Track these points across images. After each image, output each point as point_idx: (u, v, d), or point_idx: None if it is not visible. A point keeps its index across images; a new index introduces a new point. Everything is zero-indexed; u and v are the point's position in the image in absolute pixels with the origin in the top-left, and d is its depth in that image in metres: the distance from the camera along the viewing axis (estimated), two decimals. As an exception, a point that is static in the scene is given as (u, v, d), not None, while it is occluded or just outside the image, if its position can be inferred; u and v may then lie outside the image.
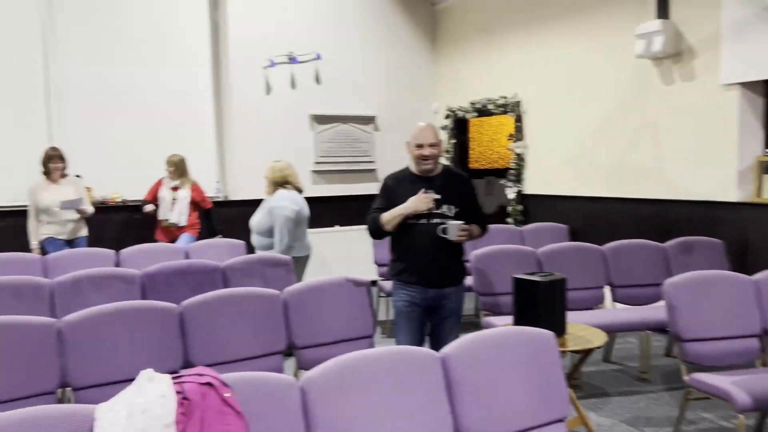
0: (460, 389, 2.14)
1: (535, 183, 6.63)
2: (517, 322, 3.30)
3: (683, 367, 3.24)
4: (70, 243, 5.35)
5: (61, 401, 2.82)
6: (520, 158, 6.66)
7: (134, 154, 6.50)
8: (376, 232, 3.24)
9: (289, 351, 3.30)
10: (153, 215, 5.89)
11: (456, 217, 3.13)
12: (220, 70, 7.00)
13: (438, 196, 3.14)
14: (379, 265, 5.83)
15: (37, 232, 5.31)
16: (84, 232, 5.50)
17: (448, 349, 2.21)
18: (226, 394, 1.82)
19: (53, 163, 5.31)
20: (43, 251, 5.16)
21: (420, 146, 3.17)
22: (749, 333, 3.31)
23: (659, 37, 5.07)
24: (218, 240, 5.48)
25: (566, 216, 6.20)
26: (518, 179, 6.69)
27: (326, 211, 6.87)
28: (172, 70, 6.77)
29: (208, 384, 1.82)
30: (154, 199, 5.91)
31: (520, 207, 6.69)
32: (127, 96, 6.55)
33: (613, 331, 4.19)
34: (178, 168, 5.84)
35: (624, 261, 4.66)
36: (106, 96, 6.45)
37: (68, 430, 1.65)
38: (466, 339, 2.28)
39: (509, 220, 6.71)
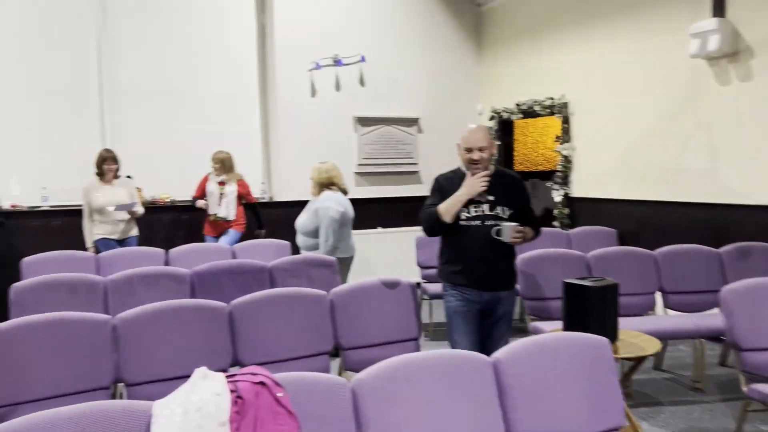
0: (512, 395, 2.10)
1: (582, 186, 6.50)
2: (568, 327, 3.24)
3: (742, 378, 3.12)
4: (122, 242, 5.47)
5: (113, 396, 2.89)
6: (567, 160, 6.54)
7: (183, 156, 6.64)
8: (434, 226, 3.11)
9: (334, 352, 3.31)
10: (204, 210, 5.99)
11: (510, 219, 3.07)
12: (267, 73, 7.08)
13: (491, 197, 3.08)
14: (423, 267, 5.81)
15: (91, 231, 5.45)
16: (135, 231, 5.63)
17: (500, 353, 2.18)
18: (279, 394, 1.83)
19: (107, 164, 5.45)
20: (97, 250, 5.30)
21: (469, 150, 3.10)
22: (813, 343, 3.16)
23: (715, 36, 4.91)
24: (264, 240, 5.54)
25: (615, 220, 6.06)
26: (565, 182, 6.57)
27: (369, 213, 6.88)
28: (221, 73, 6.90)
29: (262, 383, 1.83)
30: (202, 194, 6.01)
31: (566, 210, 6.57)
32: (176, 99, 6.70)
33: (665, 338, 4.07)
34: (224, 164, 5.92)
35: (676, 266, 4.52)
36: (157, 99, 6.61)
37: (126, 426, 1.68)
38: (518, 344, 2.24)
39: (555, 223, 6.60)
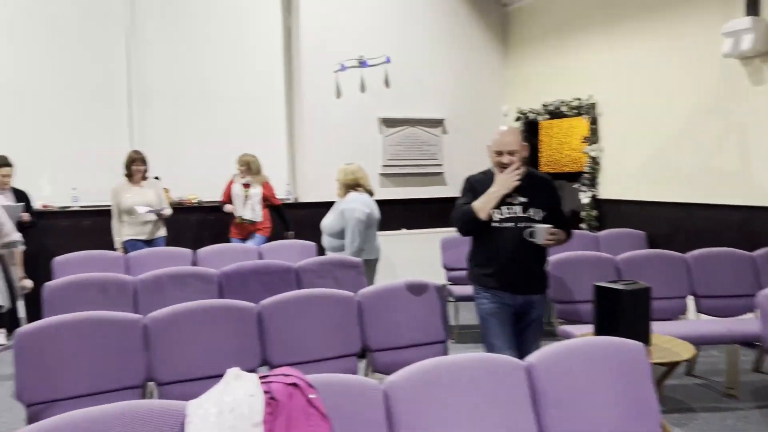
0: (545, 400, 2.07)
1: (610, 187, 6.41)
2: (598, 331, 3.19)
3: (779, 385, 3.05)
4: (149, 243, 5.53)
5: (143, 396, 2.91)
6: (594, 162, 6.46)
7: (209, 157, 6.69)
8: (469, 224, 3.03)
9: (360, 353, 3.29)
10: (230, 213, 6.02)
11: (542, 222, 3.03)
12: (292, 75, 7.11)
13: (524, 199, 3.04)
14: (449, 269, 5.78)
15: (119, 232, 5.52)
16: (162, 232, 5.68)
17: (532, 358, 2.14)
18: (312, 396, 1.82)
19: (136, 165, 5.51)
20: (125, 250, 5.37)
21: (499, 153, 3.04)
22: None
23: (749, 35, 4.81)
24: (290, 241, 5.56)
25: (644, 222, 5.96)
26: (593, 183, 6.49)
27: (393, 215, 6.86)
28: (247, 75, 6.94)
29: (294, 385, 1.83)
30: (228, 198, 6.05)
31: (594, 212, 6.49)
32: (203, 100, 6.76)
33: (697, 343, 3.97)
34: (250, 167, 5.95)
35: (709, 270, 4.44)
36: (184, 100, 6.68)
37: (161, 425, 1.68)
38: (551, 348, 2.21)
39: (583, 225, 6.52)
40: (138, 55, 6.50)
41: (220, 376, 2.82)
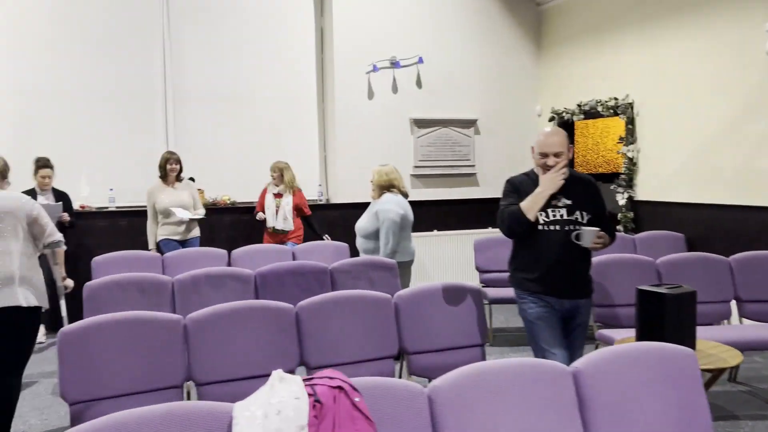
0: (593, 406, 2.02)
1: (647, 189, 6.28)
2: (641, 336, 3.11)
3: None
4: (183, 243, 5.58)
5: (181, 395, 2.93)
6: (631, 162, 6.34)
7: (243, 158, 6.76)
8: (518, 225, 2.93)
9: (397, 355, 3.27)
10: (263, 221, 6.05)
11: (588, 224, 2.96)
12: (325, 76, 7.13)
13: (569, 201, 2.98)
14: (482, 270, 5.72)
15: (155, 232, 5.59)
16: (196, 232, 5.73)
17: (579, 363, 2.10)
18: (356, 399, 1.80)
19: (170, 164, 5.57)
20: (159, 251, 5.43)
21: (544, 155, 2.95)
22: None
23: (795, 31, 4.67)
24: (323, 242, 5.57)
25: (682, 224, 5.83)
26: (629, 184, 6.37)
27: (424, 216, 6.83)
28: (280, 76, 6.98)
29: (339, 388, 1.81)
30: (262, 207, 6.07)
31: (630, 214, 6.36)
32: (237, 101, 6.81)
33: (740, 348, 3.82)
34: (283, 174, 5.96)
35: (754, 274, 4.31)
36: (218, 102, 6.74)
37: (207, 427, 1.68)
38: (597, 354, 2.15)
39: (619, 227, 6.40)
40: (173, 58, 6.58)
41: (259, 377, 2.85)
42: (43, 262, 3.48)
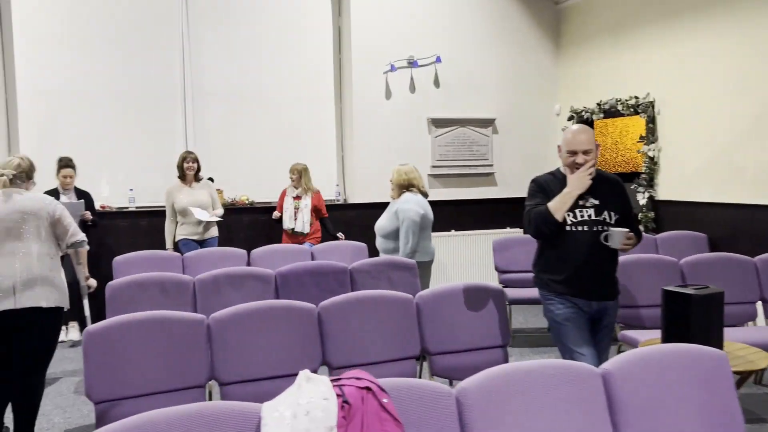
0: (623, 408, 1.99)
1: (669, 188, 6.20)
2: (667, 338, 3.06)
3: None
4: (202, 243, 5.61)
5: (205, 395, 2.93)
6: (652, 162, 6.26)
7: (261, 157, 6.77)
8: (546, 225, 2.86)
9: (418, 356, 3.25)
10: (280, 221, 6.07)
11: (616, 225, 2.92)
12: (343, 75, 7.12)
13: (596, 201, 2.94)
14: (501, 271, 5.69)
15: (173, 232, 5.62)
16: (214, 232, 5.75)
17: (609, 365, 2.07)
18: (384, 400, 1.79)
19: (187, 163, 5.60)
20: (178, 250, 5.45)
21: (573, 153, 2.90)
22: None
23: (822, 27, 4.59)
24: (342, 242, 5.56)
25: (705, 224, 5.75)
26: (650, 184, 6.29)
27: (442, 216, 6.79)
28: (298, 75, 6.98)
29: (367, 389, 1.80)
30: (281, 208, 6.08)
31: (651, 214, 6.29)
32: (255, 102, 6.83)
33: (767, 350, 3.81)
34: (302, 176, 5.97)
35: (780, 275, 4.24)
36: (237, 102, 6.76)
37: (236, 427, 1.68)
38: (627, 355, 2.12)
39: (640, 227, 6.32)
40: (193, 58, 6.61)
41: (282, 376, 2.85)
42: (67, 262, 3.50)
